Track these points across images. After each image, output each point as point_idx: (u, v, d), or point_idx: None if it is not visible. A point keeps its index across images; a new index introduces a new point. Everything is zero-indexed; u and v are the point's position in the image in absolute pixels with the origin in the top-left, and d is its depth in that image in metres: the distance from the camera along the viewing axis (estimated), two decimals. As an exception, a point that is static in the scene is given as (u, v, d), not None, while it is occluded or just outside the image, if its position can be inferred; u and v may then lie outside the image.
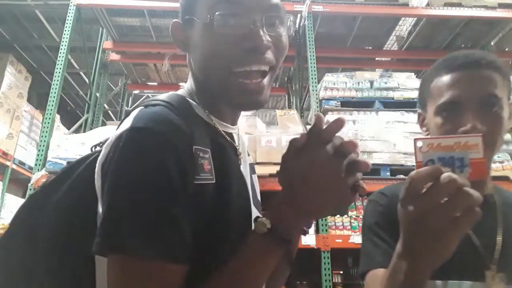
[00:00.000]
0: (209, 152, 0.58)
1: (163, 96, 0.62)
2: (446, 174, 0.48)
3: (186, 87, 0.69)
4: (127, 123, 0.54)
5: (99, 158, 0.56)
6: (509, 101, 0.81)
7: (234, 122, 0.71)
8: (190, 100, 0.64)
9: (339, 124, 0.52)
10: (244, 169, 0.69)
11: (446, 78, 0.81)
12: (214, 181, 0.57)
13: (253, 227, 0.55)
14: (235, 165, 0.66)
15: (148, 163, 0.50)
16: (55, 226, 0.58)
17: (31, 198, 0.66)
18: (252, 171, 0.76)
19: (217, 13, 0.57)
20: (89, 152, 0.65)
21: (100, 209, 0.53)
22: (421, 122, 0.91)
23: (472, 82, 0.78)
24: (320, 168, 0.51)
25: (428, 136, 0.83)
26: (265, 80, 0.61)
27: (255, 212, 0.67)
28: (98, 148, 0.64)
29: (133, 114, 0.56)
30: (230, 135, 0.68)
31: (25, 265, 0.59)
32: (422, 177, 0.50)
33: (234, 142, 0.69)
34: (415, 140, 0.54)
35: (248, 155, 0.77)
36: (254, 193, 0.72)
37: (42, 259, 0.58)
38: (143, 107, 0.58)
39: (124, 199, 0.49)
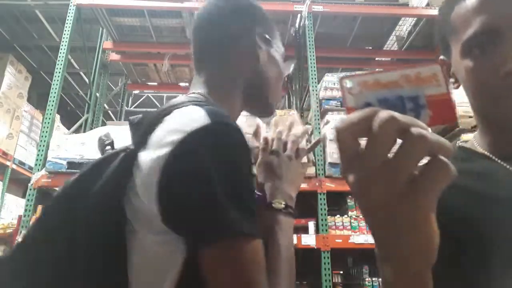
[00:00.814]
0: None
1: (194, 97, 0.68)
2: (383, 113, 0.31)
3: (200, 92, 0.72)
4: (199, 120, 0.55)
5: (158, 156, 0.54)
6: None
7: None
8: None
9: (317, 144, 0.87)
10: None
11: (470, 1, 0.57)
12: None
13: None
14: None
15: (240, 155, 0.56)
16: (89, 226, 0.56)
17: (55, 200, 0.63)
18: None
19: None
20: (109, 152, 0.63)
21: (143, 204, 0.54)
22: (446, 72, 0.61)
23: None
24: (283, 163, 0.75)
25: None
26: None
27: None
28: (118, 149, 0.63)
29: (199, 112, 0.57)
30: None
31: (58, 266, 0.57)
32: (350, 125, 0.32)
33: None
34: (341, 79, 0.37)
35: None
36: None
37: (77, 258, 0.56)
38: (195, 105, 0.60)
39: (228, 187, 0.52)
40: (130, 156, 0.57)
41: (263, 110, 0.82)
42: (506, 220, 0.52)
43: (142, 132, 0.58)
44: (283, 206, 0.70)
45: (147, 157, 0.55)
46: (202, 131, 0.53)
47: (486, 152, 0.62)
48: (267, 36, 0.76)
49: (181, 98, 0.66)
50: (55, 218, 0.61)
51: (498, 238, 0.51)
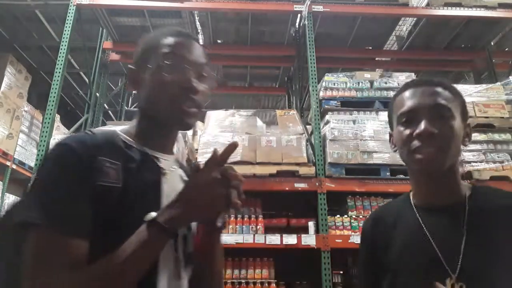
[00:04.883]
0: (120, 165, 0.77)
1: (95, 129, 0.85)
2: None
3: (125, 127, 0.90)
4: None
5: None
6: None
7: (165, 151, 0.91)
8: (121, 133, 0.86)
9: (231, 148, 0.72)
10: (168, 183, 0.85)
11: (405, 93, 0.97)
12: (120, 185, 0.74)
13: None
14: (151, 178, 0.83)
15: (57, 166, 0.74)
16: None
17: None
18: None
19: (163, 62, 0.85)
20: None
21: None
22: (392, 141, 0.99)
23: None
24: (203, 185, 0.70)
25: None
26: (195, 109, 0.87)
27: None
28: None
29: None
30: (157, 158, 0.88)
31: None
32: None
33: (160, 163, 0.88)
34: None
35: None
36: None
37: None
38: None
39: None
40: None
41: (168, 121, 0.95)
42: None
43: None
44: (150, 218, 0.70)
45: None
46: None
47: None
48: (142, 64, 0.99)
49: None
50: None
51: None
